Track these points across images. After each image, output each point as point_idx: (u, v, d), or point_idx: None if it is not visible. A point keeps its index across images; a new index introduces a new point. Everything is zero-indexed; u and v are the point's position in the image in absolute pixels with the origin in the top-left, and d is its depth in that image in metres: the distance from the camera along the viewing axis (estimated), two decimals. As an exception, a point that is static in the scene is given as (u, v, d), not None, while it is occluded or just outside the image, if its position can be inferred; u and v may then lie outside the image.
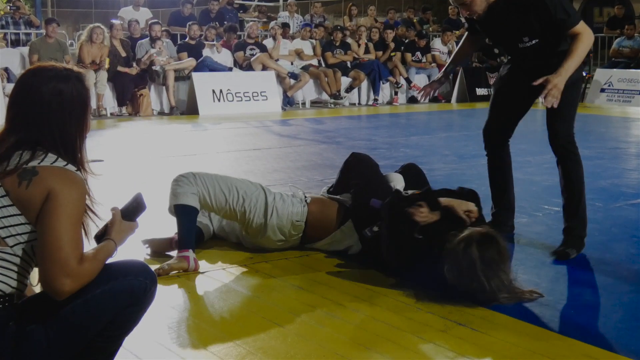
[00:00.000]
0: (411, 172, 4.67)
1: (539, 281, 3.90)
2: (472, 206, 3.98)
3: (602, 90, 14.99)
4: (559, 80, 4.07)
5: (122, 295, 2.44)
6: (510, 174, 4.84)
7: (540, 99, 4.14)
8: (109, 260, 2.49)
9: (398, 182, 4.48)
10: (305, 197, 4.38)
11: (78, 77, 2.51)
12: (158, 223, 4.58)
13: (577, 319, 3.45)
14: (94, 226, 2.55)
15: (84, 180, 2.44)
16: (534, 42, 4.31)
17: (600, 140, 9.62)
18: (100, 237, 2.54)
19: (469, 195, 4.15)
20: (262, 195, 4.27)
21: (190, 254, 4.05)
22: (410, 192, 4.35)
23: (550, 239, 4.65)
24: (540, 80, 4.10)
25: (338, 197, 4.40)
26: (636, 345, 3.10)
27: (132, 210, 2.60)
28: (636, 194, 6.12)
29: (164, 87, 12.71)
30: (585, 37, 4.18)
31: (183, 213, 4.14)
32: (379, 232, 3.98)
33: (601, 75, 15.31)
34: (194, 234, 4.21)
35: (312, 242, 4.40)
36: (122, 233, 2.55)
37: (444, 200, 3.96)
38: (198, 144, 9.20)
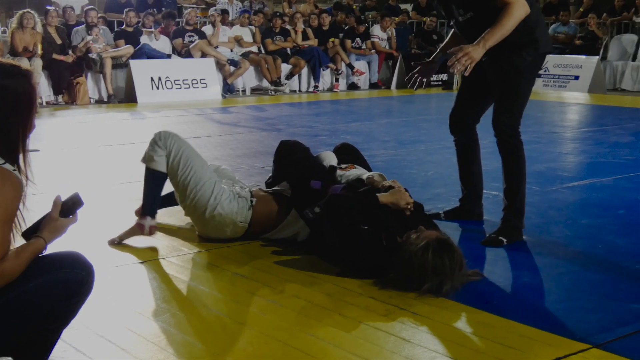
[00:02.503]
0: (345, 150, 4.67)
1: (478, 265, 3.95)
2: (409, 198, 4.00)
3: (539, 75, 15.19)
4: (473, 49, 3.95)
5: (57, 288, 2.39)
6: (475, 160, 4.78)
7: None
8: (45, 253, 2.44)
9: (331, 159, 4.49)
10: (252, 199, 4.33)
11: (25, 74, 2.42)
12: (100, 218, 4.52)
13: (515, 301, 3.51)
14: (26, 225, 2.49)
15: (21, 181, 2.37)
16: (468, 15, 4.23)
17: (537, 125, 9.78)
18: (30, 233, 2.47)
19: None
20: (211, 185, 4.26)
21: (147, 221, 4.26)
22: (344, 165, 4.41)
23: (489, 223, 4.72)
24: (455, 49, 4.01)
25: (277, 188, 4.40)
26: (573, 325, 3.16)
27: (69, 207, 2.54)
28: (572, 177, 6.24)
29: (101, 75, 12.50)
30: (515, 7, 3.99)
31: (151, 178, 4.30)
32: (321, 214, 3.96)
33: (537, 60, 15.50)
34: (158, 200, 4.38)
35: (260, 234, 4.38)
36: (55, 231, 2.47)
37: (382, 197, 3.97)
38: (137, 133, 9.07)
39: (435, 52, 4.84)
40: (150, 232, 4.29)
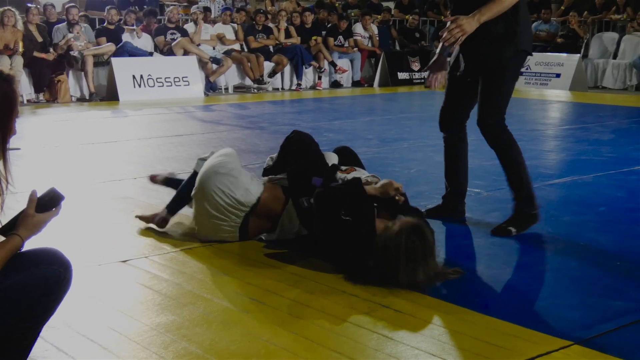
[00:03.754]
0: (345, 152, 4.68)
1: (460, 262, 3.96)
2: (397, 184, 4.01)
3: (520, 73, 15.26)
4: (466, 22, 4.00)
5: (35, 285, 2.37)
6: (462, 157, 4.77)
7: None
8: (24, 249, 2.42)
9: (333, 159, 4.50)
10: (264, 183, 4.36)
11: (6, 78, 2.39)
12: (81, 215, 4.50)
13: (498, 298, 3.53)
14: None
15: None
16: None
17: (519, 122, 9.81)
18: (7, 230, 2.44)
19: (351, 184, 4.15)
20: (231, 160, 4.32)
21: (162, 212, 4.51)
22: (345, 167, 4.43)
23: (471, 221, 4.74)
24: (452, 18, 4.05)
25: (279, 177, 4.38)
26: (554, 322, 3.18)
27: (47, 202, 2.51)
28: (553, 175, 6.28)
29: (82, 73, 12.43)
30: None
31: (190, 178, 4.46)
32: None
33: (519, 58, 15.57)
34: (183, 201, 4.52)
35: (257, 233, 4.31)
36: (32, 228, 2.43)
37: (370, 188, 3.97)
38: (119, 131, 9.04)
39: (439, 45, 4.70)
40: (158, 223, 4.51)
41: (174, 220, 4.56)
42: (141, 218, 4.60)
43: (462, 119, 4.71)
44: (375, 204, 3.89)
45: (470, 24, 4.02)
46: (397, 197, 3.97)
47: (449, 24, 4.09)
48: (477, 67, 4.39)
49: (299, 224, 4.20)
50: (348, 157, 4.64)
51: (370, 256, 3.61)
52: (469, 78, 4.46)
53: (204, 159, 4.43)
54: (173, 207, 4.52)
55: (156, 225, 4.50)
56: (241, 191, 4.17)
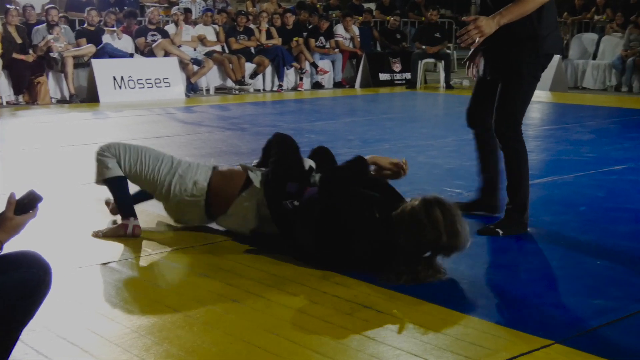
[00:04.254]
0: (321, 152, 4.68)
1: (441, 262, 3.96)
2: (391, 158, 4.12)
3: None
4: (485, 23, 3.98)
5: (15, 289, 2.35)
6: (492, 152, 4.72)
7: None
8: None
9: (311, 164, 4.51)
10: (213, 167, 4.45)
11: None
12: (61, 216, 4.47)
13: (478, 298, 3.53)
14: None
15: None
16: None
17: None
18: None
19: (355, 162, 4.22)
20: (169, 158, 4.43)
21: (131, 222, 4.35)
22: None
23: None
24: (471, 18, 4.06)
25: (249, 165, 4.45)
26: (535, 322, 3.19)
27: (25, 204, 2.49)
28: (534, 175, 6.27)
29: (62, 74, 12.37)
30: None
31: (113, 186, 4.39)
32: (299, 207, 3.98)
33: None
34: (130, 201, 4.45)
35: (218, 215, 4.38)
36: (11, 230, 2.42)
37: (369, 158, 4.16)
38: (99, 132, 8.99)
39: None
40: (134, 233, 4.36)
41: (153, 222, 4.54)
42: (106, 235, 4.40)
43: (488, 116, 4.62)
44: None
45: (489, 25, 3.99)
46: (395, 170, 4.21)
47: (469, 25, 4.05)
48: (496, 69, 4.40)
49: (255, 214, 4.24)
50: (324, 158, 4.63)
51: (391, 236, 3.66)
52: (489, 77, 4.49)
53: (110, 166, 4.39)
54: (131, 207, 4.44)
55: (131, 236, 4.35)
56: (190, 184, 4.32)
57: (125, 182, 4.40)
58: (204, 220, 4.46)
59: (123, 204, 4.43)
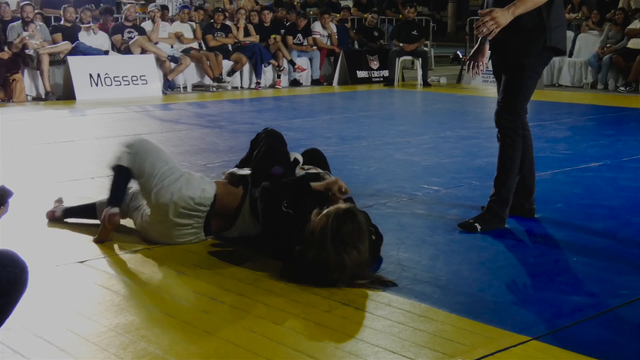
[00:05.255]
0: (314, 154, 4.68)
1: (419, 259, 3.99)
2: (342, 182, 4.02)
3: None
4: (501, 14, 4.04)
5: None
6: (525, 153, 4.65)
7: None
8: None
9: (297, 157, 4.51)
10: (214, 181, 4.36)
11: None
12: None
13: (456, 294, 3.54)
14: None
15: None
16: None
17: (477, 120, 9.91)
18: None
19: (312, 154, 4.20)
20: (178, 168, 4.30)
21: (108, 209, 4.21)
22: (307, 167, 4.43)
23: (430, 218, 4.77)
24: (484, 11, 4.11)
25: (236, 170, 4.39)
26: (512, 318, 3.21)
27: None
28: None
29: (38, 72, 12.27)
30: None
31: (116, 173, 4.29)
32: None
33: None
34: (123, 192, 4.34)
35: (219, 232, 4.30)
36: None
37: (316, 185, 4.00)
38: (76, 130, 8.93)
39: (480, 38, 4.63)
40: (110, 220, 4.19)
41: (130, 220, 4.51)
42: (101, 238, 4.30)
43: None
44: (322, 204, 3.88)
45: (504, 16, 4.04)
46: (337, 195, 3.97)
47: (485, 17, 4.08)
48: (502, 61, 4.42)
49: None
50: (314, 158, 4.63)
51: (303, 248, 3.60)
52: (495, 70, 4.52)
53: (130, 153, 4.28)
54: (118, 198, 4.32)
55: (108, 225, 4.23)
56: (198, 192, 4.16)
57: (128, 174, 4.26)
58: (200, 237, 4.27)
59: (113, 190, 4.28)
